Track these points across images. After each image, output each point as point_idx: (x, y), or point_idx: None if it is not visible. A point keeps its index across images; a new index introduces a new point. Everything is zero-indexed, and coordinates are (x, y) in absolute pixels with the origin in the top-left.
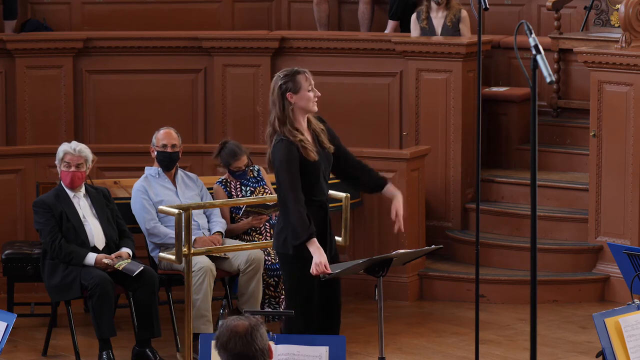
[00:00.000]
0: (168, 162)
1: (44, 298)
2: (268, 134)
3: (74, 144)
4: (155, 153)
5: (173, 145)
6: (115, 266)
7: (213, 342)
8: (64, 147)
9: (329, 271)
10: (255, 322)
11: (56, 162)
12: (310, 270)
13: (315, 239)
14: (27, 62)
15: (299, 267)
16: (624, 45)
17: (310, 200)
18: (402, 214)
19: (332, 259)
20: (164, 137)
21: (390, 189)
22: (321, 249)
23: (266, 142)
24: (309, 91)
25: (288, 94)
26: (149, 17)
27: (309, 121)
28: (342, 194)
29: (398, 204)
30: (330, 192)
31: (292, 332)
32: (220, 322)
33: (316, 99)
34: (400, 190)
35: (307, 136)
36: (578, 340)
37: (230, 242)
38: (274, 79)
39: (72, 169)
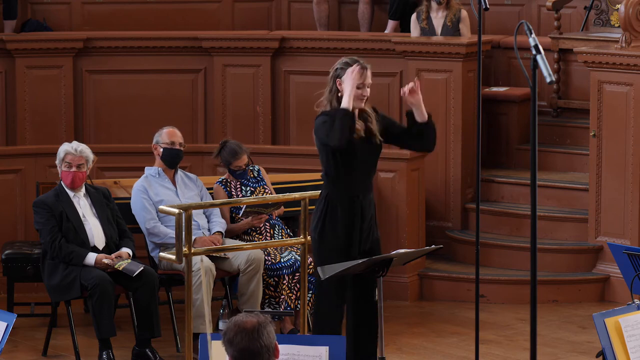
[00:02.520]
0: (174, 160)
1: (44, 298)
2: (318, 103)
3: (75, 144)
4: (161, 150)
5: (180, 144)
6: (115, 266)
7: (209, 339)
8: (65, 147)
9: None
10: (264, 320)
11: (57, 162)
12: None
13: (342, 102)
14: (27, 62)
15: (320, 251)
16: (624, 45)
17: (339, 187)
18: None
19: (373, 250)
20: (171, 134)
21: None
22: (346, 81)
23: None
24: (357, 88)
25: (338, 80)
26: (149, 17)
27: (361, 111)
28: None
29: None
30: None
31: (319, 314)
32: (221, 321)
33: (363, 97)
34: (400, 190)
35: (356, 124)
36: (578, 340)
37: (230, 242)
38: (340, 60)
39: (73, 169)
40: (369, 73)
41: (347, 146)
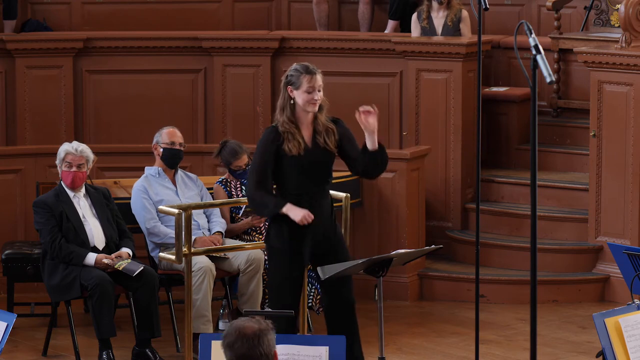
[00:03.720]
0: (174, 160)
1: (44, 298)
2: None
3: (75, 144)
4: (162, 150)
5: (180, 144)
6: (115, 266)
7: (213, 341)
8: (65, 147)
9: (312, 217)
10: (265, 327)
11: (57, 162)
12: (299, 222)
13: (285, 206)
14: (27, 62)
15: (273, 259)
16: (624, 45)
17: (285, 193)
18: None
19: (333, 252)
20: (171, 134)
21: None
22: (294, 207)
23: None
24: (307, 92)
25: (289, 87)
26: (149, 17)
27: (316, 118)
28: (342, 194)
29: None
30: (331, 192)
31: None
32: (221, 322)
33: (315, 101)
34: (400, 190)
35: (305, 131)
36: (578, 340)
37: (230, 242)
38: (291, 67)
39: (74, 169)
40: (318, 77)
41: (287, 161)
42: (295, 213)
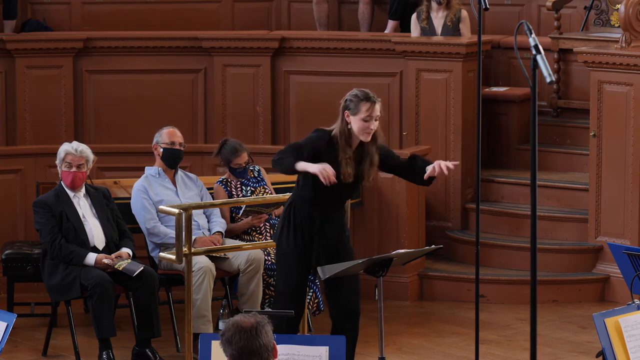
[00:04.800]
0: (174, 160)
1: (44, 298)
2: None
3: (75, 144)
4: (162, 150)
5: (180, 144)
6: (115, 266)
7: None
8: (65, 147)
9: (333, 175)
10: (262, 320)
11: (57, 162)
12: (323, 180)
13: (300, 163)
14: (27, 62)
15: (277, 254)
16: (624, 45)
17: (304, 194)
18: (445, 165)
19: (336, 259)
20: (171, 134)
21: (430, 170)
22: (310, 164)
23: None
24: (364, 120)
25: (346, 112)
26: (149, 17)
27: (362, 144)
28: None
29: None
30: None
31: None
32: (221, 322)
33: (370, 131)
34: (400, 190)
35: (350, 154)
36: (578, 340)
37: (230, 242)
38: (350, 92)
39: (74, 169)
40: (377, 107)
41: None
42: (315, 167)
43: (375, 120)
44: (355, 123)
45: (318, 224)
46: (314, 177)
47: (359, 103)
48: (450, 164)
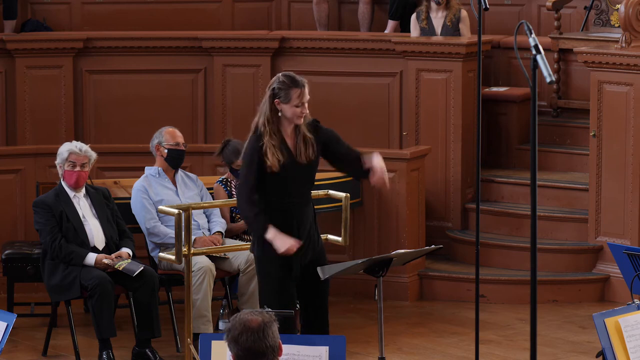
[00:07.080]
0: (179, 160)
1: (44, 298)
2: (253, 123)
3: (78, 143)
4: (166, 151)
5: (183, 144)
6: (115, 266)
7: (214, 341)
8: (69, 147)
9: (298, 246)
10: (269, 319)
11: (58, 162)
12: (282, 253)
13: (270, 230)
14: (27, 62)
15: (264, 267)
16: (624, 45)
17: (270, 203)
18: (380, 167)
19: (316, 260)
20: (175, 135)
21: (367, 161)
22: (280, 235)
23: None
24: (296, 106)
25: (276, 100)
26: (149, 17)
27: (298, 129)
28: (342, 194)
29: (371, 160)
30: (330, 192)
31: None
32: (221, 322)
33: (302, 115)
34: (400, 190)
35: (289, 142)
36: (578, 340)
37: (230, 242)
38: (274, 78)
39: (77, 168)
40: (306, 90)
41: (270, 172)
42: (280, 243)
43: (306, 103)
44: (287, 110)
45: (291, 216)
46: (266, 172)
47: (289, 90)
48: (386, 180)
